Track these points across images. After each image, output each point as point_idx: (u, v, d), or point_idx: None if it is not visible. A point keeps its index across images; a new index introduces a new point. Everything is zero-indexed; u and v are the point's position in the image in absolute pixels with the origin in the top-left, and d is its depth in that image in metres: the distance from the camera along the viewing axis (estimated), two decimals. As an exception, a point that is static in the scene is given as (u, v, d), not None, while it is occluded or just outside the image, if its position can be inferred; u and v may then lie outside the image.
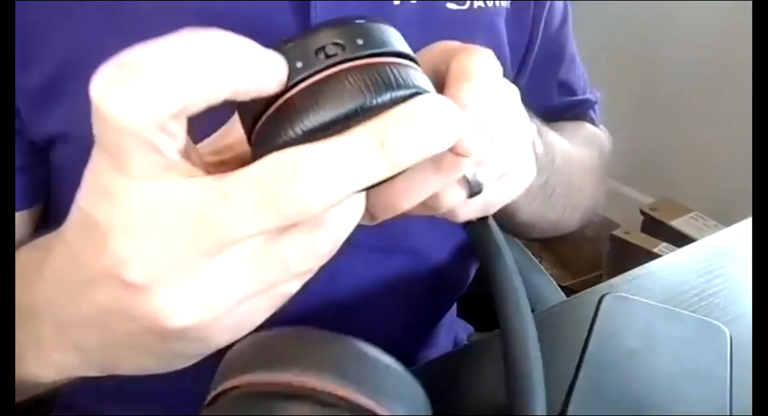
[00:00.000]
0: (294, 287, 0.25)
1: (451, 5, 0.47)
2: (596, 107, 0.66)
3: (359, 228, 0.47)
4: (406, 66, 0.25)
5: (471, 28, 0.49)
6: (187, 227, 0.22)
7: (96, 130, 0.22)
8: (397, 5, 0.45)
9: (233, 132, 0.28)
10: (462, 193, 0.32)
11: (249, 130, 0.25)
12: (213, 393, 0.24)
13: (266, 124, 0.24)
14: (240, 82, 0.22)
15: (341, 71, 0.23)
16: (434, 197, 0.32)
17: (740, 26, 1.52)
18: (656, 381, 0.39)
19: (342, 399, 0.22)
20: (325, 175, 0.22)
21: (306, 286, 0.25)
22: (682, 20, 1.70)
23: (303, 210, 0.22)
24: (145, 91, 0.21)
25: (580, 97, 0.64)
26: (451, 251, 0.55)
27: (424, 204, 0.33)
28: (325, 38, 0.24)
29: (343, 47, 0.24)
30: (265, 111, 0.24)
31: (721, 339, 0.42)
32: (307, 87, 0.23)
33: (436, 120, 0.23)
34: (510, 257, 0.36)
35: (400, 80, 0.24)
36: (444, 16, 0.47)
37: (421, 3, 0.46)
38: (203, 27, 0.42)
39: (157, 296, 0.23)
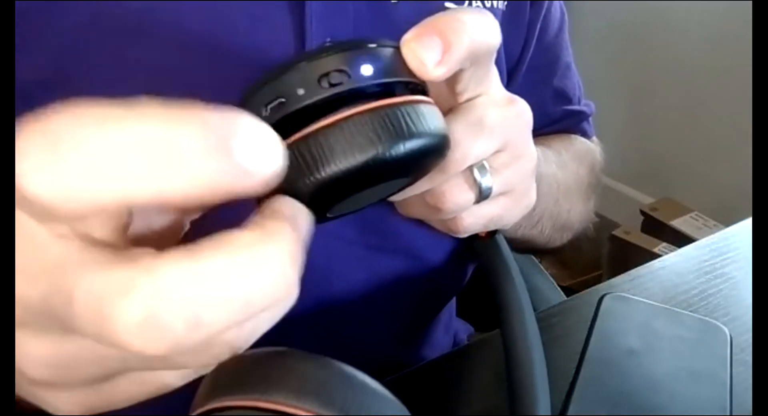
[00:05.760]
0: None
1: (449, 5, 0.47)
2: (590, 120, 0.66)
3: (352, 227, 0.47)
4: (416, 104, 0.24)
5: None
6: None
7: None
8: (394, 4, 0.45)
9: None
10: (470, 194, 0.32)
11: None
12: None
13: None
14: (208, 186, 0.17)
15: (350, 117, 0.22)
16: (441, 196, 0.32)
17: (740, 26, 1.52)
18: (656, 381, 0.39)
19: None
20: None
21: (299, 286, 0.24)
22: (682, 21, 1.70)
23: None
24: (77, 177, 0.16)
25: (575, 107, 0.64)
26: (447, 252, 0.55)
27: (431, 206, 0.33)
28: (330, 64, 0.22)
29: (348, 75, 0.22)
30: None
31: (721, 339, 0.42)
32: (315, 132, 0.22)
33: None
34: (517, 270, 0.36)
35: (411, 127, 0.23)
36: None
37: (419, 2, 0.46)
38: (199, 26, 0.41)
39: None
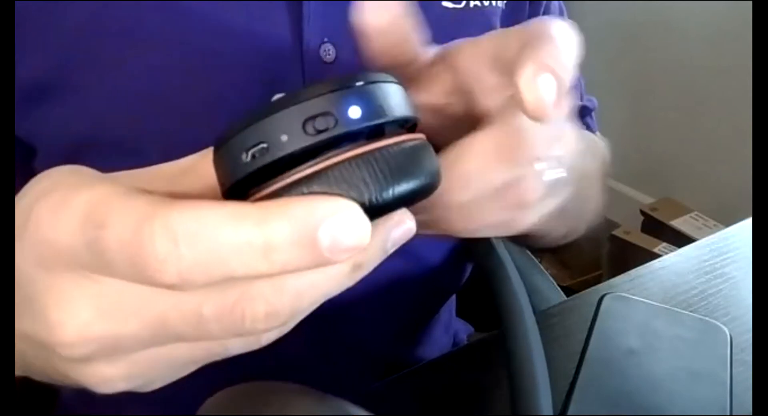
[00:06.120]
0: (222, 357, 0.24)
1: (446, 3, 0.47)
2: (593, 115, 0.66)
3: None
4: (405, 144, 0.23)
5: (467, 27, 0.49)
6: (144, 325, 0.21)
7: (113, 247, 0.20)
8: None
9: (200, 169, 0.25)
10: (543, 188, 0.31)
11: (224, 189, 0.23)
12: None
13: None
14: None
15: (336, 164, 0.21)
16: (513, 191, 0.30)
17: (739, 26, 1.52)
18: (656, 381, 0.39)
19: None
20: (295, 302, 0.21)
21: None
22: (682, 21, 1.70)
23: (267, 328, 0.21)
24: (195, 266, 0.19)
25: (577, 103, 0.63)
26: (445, 251, 0.55)
27: (509, 202, 0.31)
28: (316, 107, 0.22)
29: (335, 118, 0.22)
30: (244, 181, 0.22)
31: (721, 339, 0.42)
32: (300, 180, 0.21)
33: (404, 235, 0.24)
34: (514, 269, 0.35)
35: (401, 171, 0.22)
36: (440, 14, 0.47)
37: (418, 2, 0.46)
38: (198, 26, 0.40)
39: (87, 368, 0.23)
